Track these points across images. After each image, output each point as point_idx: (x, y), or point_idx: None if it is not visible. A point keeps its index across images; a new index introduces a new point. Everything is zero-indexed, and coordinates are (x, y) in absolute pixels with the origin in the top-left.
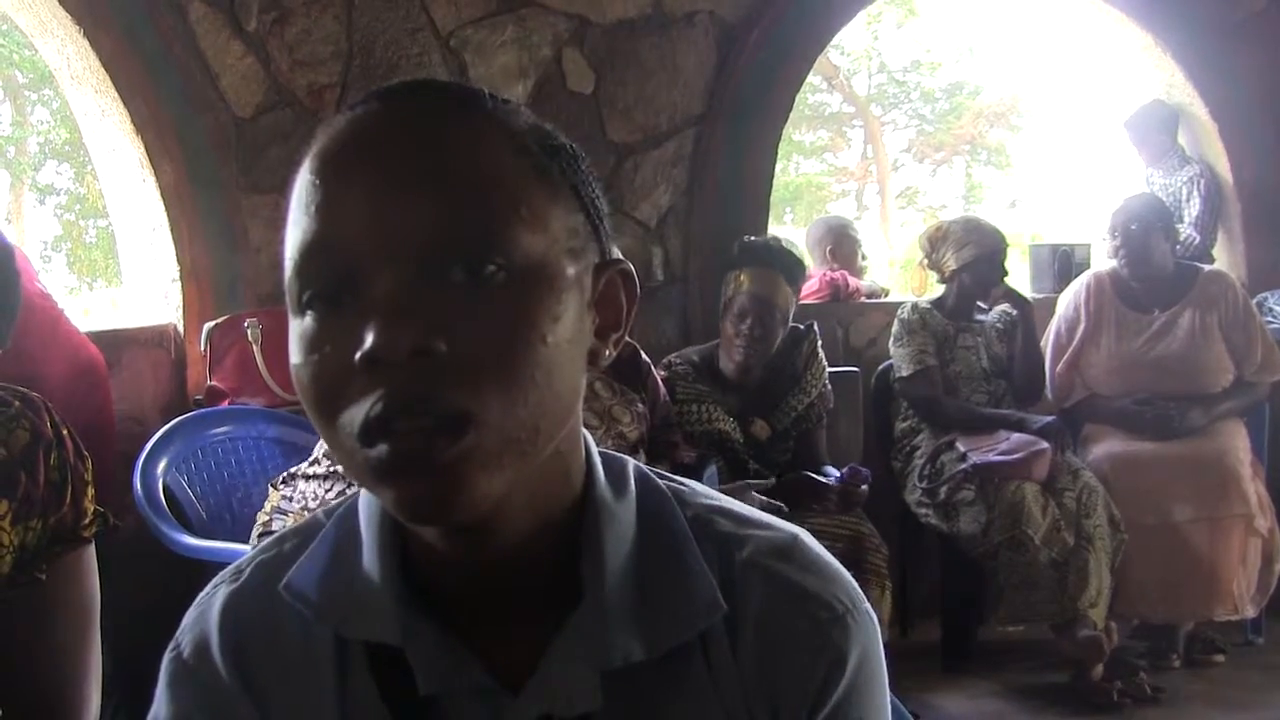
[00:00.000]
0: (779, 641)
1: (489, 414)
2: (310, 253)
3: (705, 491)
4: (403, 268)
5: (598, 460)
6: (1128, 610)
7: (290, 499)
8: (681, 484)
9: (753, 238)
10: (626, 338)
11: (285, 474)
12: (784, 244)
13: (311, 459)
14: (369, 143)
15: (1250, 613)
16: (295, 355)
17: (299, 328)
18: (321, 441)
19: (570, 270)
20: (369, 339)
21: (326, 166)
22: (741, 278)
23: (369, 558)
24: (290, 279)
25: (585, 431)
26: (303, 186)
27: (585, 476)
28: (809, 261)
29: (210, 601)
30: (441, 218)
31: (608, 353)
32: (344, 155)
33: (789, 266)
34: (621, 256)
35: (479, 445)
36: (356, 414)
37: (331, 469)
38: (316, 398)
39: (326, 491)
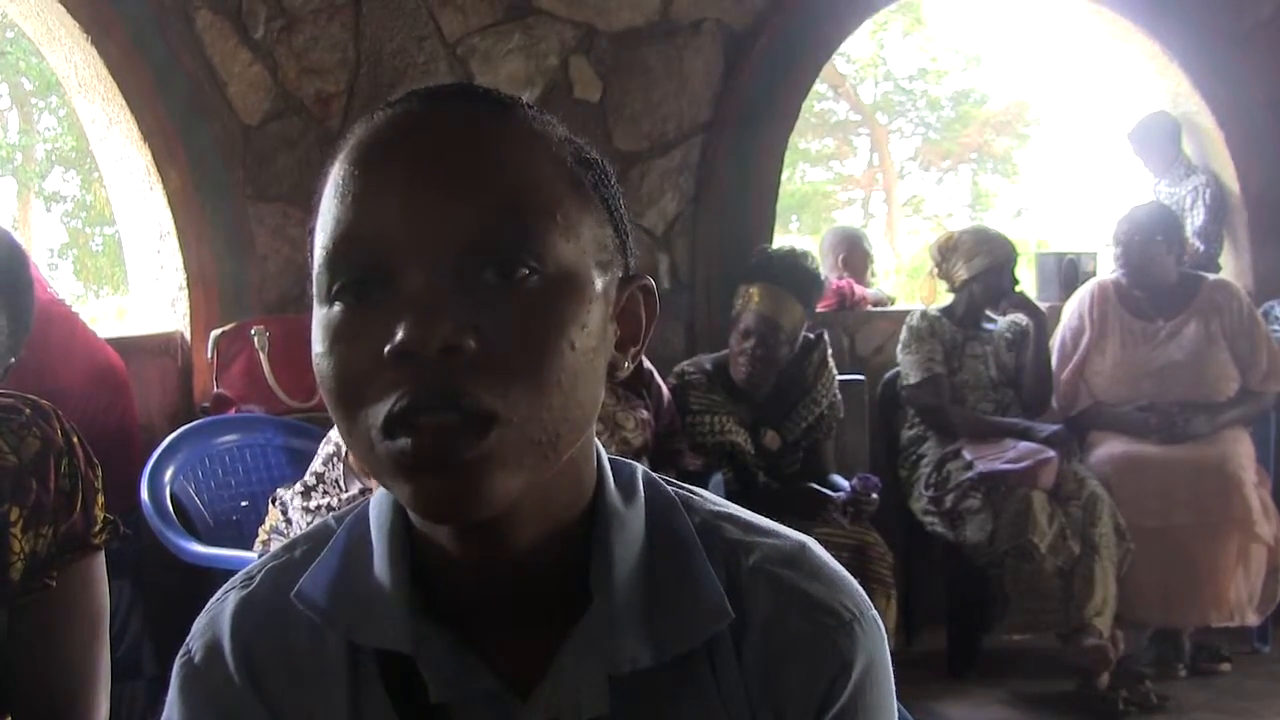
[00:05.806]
0: (784, 648)
1: (514, 415)
2: (344, 243)
3: (712, 498)
4: (437, 264)
5: (608, 467)
6: (1125, 613)
7: (289, 520)
8: (689, 490)
9: (772, 248)
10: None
11: (279, 491)
12: (803, 258)
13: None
14: (411, 139)
15: (1251, 620)
16: (319, 344)
17: (325, 318)
18: (318, 460)
19: (598, 281)
20: (400, 333)
21: (367, 158)
22: (752, 292)
23: (380, 565)
24: (321, 268)
25: (596, 439)
26: (340, 177)
27: (596, 483)
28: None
29: (221, 607)
30: (479, 218)
31: (626, 365)
32: (385, 149)
33: (803, 284)
34: (645, 274)
35: (501, 445)
36: (381, 407)
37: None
38: (339, 388)
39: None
